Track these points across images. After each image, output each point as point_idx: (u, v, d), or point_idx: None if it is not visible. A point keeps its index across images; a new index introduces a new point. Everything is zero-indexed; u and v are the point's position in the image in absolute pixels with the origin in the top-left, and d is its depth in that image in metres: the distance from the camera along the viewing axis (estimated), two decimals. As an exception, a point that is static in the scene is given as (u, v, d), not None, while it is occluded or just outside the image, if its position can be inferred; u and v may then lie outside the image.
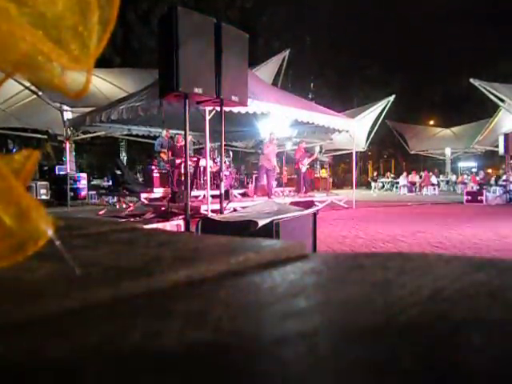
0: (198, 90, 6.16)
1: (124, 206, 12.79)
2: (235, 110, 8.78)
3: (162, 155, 12.22)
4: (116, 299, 0.61)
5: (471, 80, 23.12)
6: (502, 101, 23.12)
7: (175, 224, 5.49)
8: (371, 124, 22.06)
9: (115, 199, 14.02)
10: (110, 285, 0.62)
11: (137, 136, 16.99)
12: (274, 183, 15.49)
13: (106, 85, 17.03)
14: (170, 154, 11.64)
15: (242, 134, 16.87)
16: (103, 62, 16.86)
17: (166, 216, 8.63)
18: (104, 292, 0.61)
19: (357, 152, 16.89)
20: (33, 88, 14.60)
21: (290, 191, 15.34)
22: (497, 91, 22.91)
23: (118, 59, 23.64)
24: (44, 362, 0.41)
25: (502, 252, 5.48)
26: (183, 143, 8.44)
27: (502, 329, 0.46)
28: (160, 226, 5.14)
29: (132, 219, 9.49)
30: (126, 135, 17.23)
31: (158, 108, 9.34)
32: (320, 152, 17.63)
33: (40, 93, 14.81)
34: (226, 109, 7.91)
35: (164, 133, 12.44)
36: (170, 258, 0.69)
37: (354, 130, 13.83)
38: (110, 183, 14.79)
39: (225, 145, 10.70)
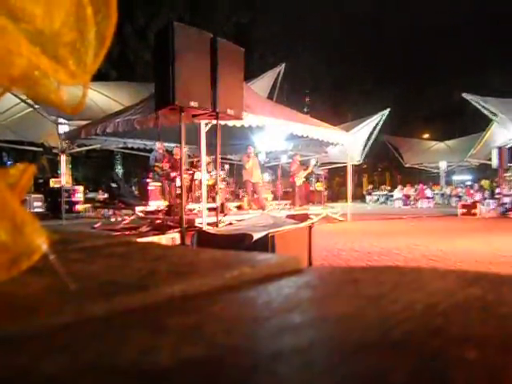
0: (193, 104, 6.22)
1: (119, 219, 12.66)
2: (230, 123, 8.80)
3: (157, 169, 12.15)
4: (111, 314, 0.61)
5: (464, 94, 23.41)
6: (495, 115, 23.35)
7: (170, 237, 5.50)
8: (366, 137, 21.90)
9: (111, 212, 13.89)
10: (104, 299, 0.62)
11: (132, 149, 16.84)
12: (269, 196, 15.34)
13: (102, 98, 17.04)
14: (167, 166, 11.43)
15: (237, 147, 16.87)
16: (99, 76, 16.90)
17: (161, 229, 8.63)
18: (99, 306, 0.61)
19: (352, 165, 16.64)
20: (29, 101, 14.59)
21: (285, 204, 15.26)
22: (489, 105, 23.15)
23: (114, 73, 23.72)
24: (38, 378, 0.41)
25: (496, 266, 5.48)
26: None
27: (496, 344, 0.47)
28: (155, 239, 5.14)
29: (127, 232, 9.37)
30: (122, 148, 17.07)
31: (154, 121, 9.34)
32: (315, 165, 17.61)
33: (36, 106, 14.79)
34: (222, 122, 7.95)
35: (157, 145, 12.25)
36: (165, 272, 0.69)
37: (349, 143, 13.89)
38: (106, 196, 14.70)
39: (220, 158, 10.72)
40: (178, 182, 10.96)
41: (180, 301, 0.63)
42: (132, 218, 11.60)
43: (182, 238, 5.83)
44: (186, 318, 0.59)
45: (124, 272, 0.71)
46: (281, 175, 16.05)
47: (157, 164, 11.86)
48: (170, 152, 12.74)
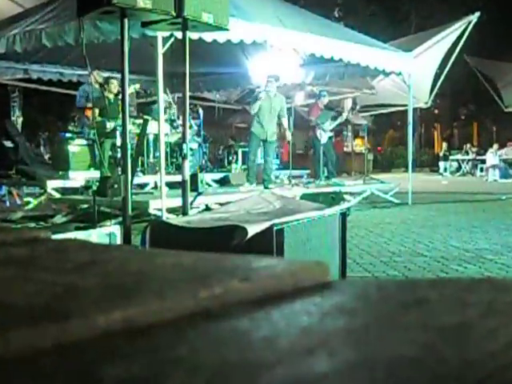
0: (144, 3, 3.63)
1: (18, 201, 8.35)
2: (208, 37, 5.85)
3: (88, 113, 7.93)
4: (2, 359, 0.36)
5: None
6: None
7: (105, 233, 3.52)
8: (439, 63, 12.05)
9: (3, 190, 8.84)
10: None
11: (40, 82, 10.84)
12: (275, 161, 10.09)
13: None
14: (96, 112, 7.40)
15: (220, 80, 10.80)
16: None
17: (89, 219, 5.32)
18: None
19: (415, 110, 11.06)
20: None
21: (300, 176, 10.43)
22: None
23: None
24: None
25: None
26: (120, 93, 5.22)
27: None
28: (80, 235, 3.41)
29: (33, 224, 6.13)
30: (21, 81, 11.18)
31: (76, 34, 5.92)
32: (353, 110, 10.76)
33: None
34: (193, 35, 4.96)
35: (93, 76, 7.72)
36: (97, 290, 0.44)
37: (412, 71, 8.88)
38: None
39: (191, 97, 7.67)
40: (117, 139, 7.10)
41: (121, 338, 0.38)
42: (40, 199, 7.66)
43: (127, 234, 3.48)
44: (131, 366, 0.35)
45: (26, 289, 0.45)
46: (293, 126, 9.19)
47: (89, 105, 7.82)
48: (102, 85, 8.24)
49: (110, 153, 7.55)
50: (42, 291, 0.44)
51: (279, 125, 8.28)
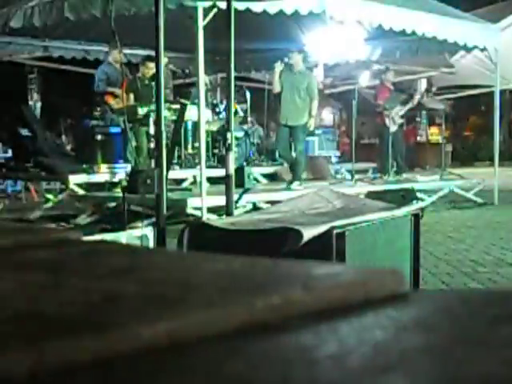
0: None
1: (36, 198, 7.60)
2: (257, 7, 5.19)
3: (109, 99, 7.01)
4: (36, 373, 0.31)
5: None
6: None
7: (136, 235, 3.20)
8: None
9: (19, 186, 8.04)
10: (23, 349, 0.33)
11: (61, 61, 9.57)
12: (335, 153, 9.02)
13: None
14: (126, 96, 6.53)
15: (271, 58, 8.34)
16: None
17: (118, 219, 4.83)
18: (13, 362, 0.31)
19: (503, 92, 9.24)
20: None
21: (365, 171, 9.10)
22: None
23: None
24: None
25: None
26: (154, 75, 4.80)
27: None
28: (107, 237, 3.08)
29: (54, 225, 5.35)
30: (40, 59, 9.82)
31: (104, 5, 5.26)
32: (427, 93, 9.20)
33: None
34: (239, 5, 4.57)
35: (113, 55, 6.88)
36: (137, 299, 0.40)
37: (499, 47, 7.48)
38: (10, 154, 8.14)
39: (237, 78, 6.35)
40: (150, 127, 6.36)
41: (166, 352, 0.33)
42: (61, 196, 6.77)
43: (161, 237, 3.16)
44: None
45: (58, 297, 0.42)
46: (357, 112, 7.95)
47: (111, 89, 7.00)
48: (135, 66, 7.54)
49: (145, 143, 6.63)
50: (75, 299, 0.40)
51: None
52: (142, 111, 6.50)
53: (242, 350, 0.33)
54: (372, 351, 0.33)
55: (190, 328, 0.34)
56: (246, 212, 4.86)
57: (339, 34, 6.73)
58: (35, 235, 0.67)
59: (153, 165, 5.47)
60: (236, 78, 4.59)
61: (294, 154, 6.77)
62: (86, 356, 0.33)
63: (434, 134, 13.14)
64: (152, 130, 6.16)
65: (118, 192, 5.47)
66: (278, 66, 6.61)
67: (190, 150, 7.18)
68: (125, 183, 5.30)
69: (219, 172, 4.96)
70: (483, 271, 3.83)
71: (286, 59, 6.67)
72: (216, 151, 7.44)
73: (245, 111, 8.20)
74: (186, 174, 6.95)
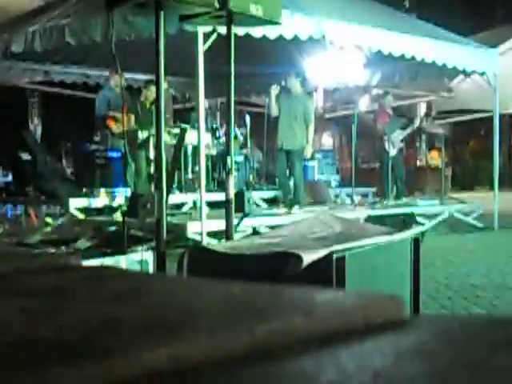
0: None
1: (36, 222, 7.54)
2: (257, 32, 5.12)
3: (110, 123, 7.00)
4: None
5: None
6: None
7: (136, 259, 3.21)
8: None
9: (19, 210, 7.98)
10: (23, 375, 0.32)
11: (62, 86, 9.67)
12: (335, 177, 9.16)
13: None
14: (127, 118, 6.45)
15: (270, 82, 7.97)
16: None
17: (118, 243, 4.90)
18: None
19: (503, 117, 9.00)
20: None
21: (365, 195, 9.08)
22: None
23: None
24: None
25: None
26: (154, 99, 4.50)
27: None
28: (108, 261, 3.12)
29: (53, 250, 5.29)
30: (41, 84, 9.90)
31: (105, 30, 5.25)
32: (427, 117, 9.33)
33: None
34: (239, 30, 4.44)
35: (114, 79, 6.90)
36: (138, 324, 0.40)
37: (497, 71, 7.59)
38: (10, 179, 8.18)
39: (237, 102, 6.34)
40: (150, 151, 6.47)
41: (167, 378, 0.33)
42: (61, 220, 6.83)
43: (160, 261, 3.18)
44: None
45: (58, 322, 0.41)
46: (356, 136, 7.97)
47: (112, 114, 6.97)
48: (136, 91, 7.63)
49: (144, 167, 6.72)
50: (76, 325, 0.39)
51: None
52: (142, 135, 6.64)
53: (244, 376, 0.33)
54: (372, 378, 0.33)
55: (191, 354, 0.34)
56: (246, 236, 4.90)
57: (339, 58, 6.87)
58: (35, 261, 0.67)
59: (153, 189, 5.48)
60: (236, 103, 4.61)
61: (292, 181, 6.82)
62: (88, 383, 0.33)
63: (434, 158, 13.20)
64: (152, 155, 6.28)
65: (118, 216, 5.57)
66: (274, 89, 6.66)
67: (190, 175, 7.25)
68: (125, 207, 5.44)
69: (219, 196, 4.95)
70: (484, 295, 3.81)
71: (282, 82, 6.75)
72: (216, 175, 7.52)
73: (245, 136, 8.28)
74: (186, 198, 6.97)
